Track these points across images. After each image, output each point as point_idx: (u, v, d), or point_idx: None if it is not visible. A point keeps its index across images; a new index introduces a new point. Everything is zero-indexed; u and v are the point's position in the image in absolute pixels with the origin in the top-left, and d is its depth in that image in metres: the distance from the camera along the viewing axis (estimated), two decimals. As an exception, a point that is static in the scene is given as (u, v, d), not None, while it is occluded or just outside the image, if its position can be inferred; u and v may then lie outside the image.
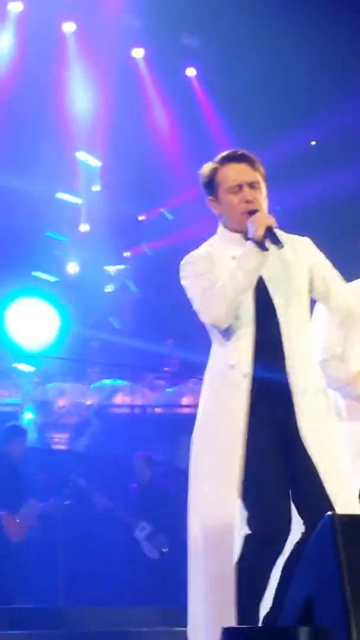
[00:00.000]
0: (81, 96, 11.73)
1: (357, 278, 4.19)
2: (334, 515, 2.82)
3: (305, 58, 10.49)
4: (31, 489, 7.94)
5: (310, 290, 3.61)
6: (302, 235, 3.71)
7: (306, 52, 10.41)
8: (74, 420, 10.51)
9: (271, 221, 3.47)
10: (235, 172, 3.56)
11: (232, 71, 10.84)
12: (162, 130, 11.95)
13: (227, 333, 3.49)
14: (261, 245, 3.43)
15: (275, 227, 3.48)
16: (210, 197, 3.63)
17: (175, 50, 11.40)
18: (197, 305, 3.51)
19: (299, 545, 3.37)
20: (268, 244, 3.46)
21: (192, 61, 11.77)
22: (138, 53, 11.74)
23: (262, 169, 3.61)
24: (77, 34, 11.40)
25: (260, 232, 3.43)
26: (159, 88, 11.84)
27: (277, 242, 3.45)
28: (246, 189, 3.54)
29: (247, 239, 3.48)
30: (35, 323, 10.77)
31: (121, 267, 12.73)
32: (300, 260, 3.59)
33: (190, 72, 11.93)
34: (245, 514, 3.39)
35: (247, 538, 3.38)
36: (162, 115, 11.96)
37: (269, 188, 3.63)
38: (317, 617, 2.74)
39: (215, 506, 3.41)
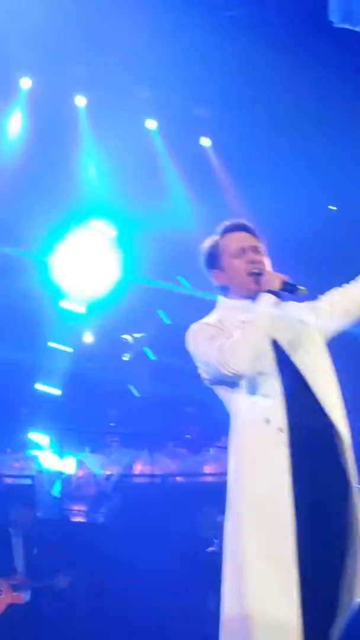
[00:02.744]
0: (95, 169, 11.82)
1: None
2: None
3: (320, 124, 10.55)
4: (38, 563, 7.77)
5: (331, 326, 3.59)
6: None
7: (321, 118, 10.48)
8: (92, 492, 10.39)
9: (284, 276, 3.48)
10: (238, 239, 3.62)
11: (247, 140, 10.91)
12: (177, 201, 11.99)
13: (252, 389, 3.40)
14: (278, 296, 3.44)
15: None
16: (214, 271, 3.63)
17: (188, 121, 11.49)
18: (216, 359, 3.39)
19: None
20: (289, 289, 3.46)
21: (205, 131, 11.86)
22: (151, 124, 11.85)
23: (262, 240, 3.65)
24: (89, 107, 11.53)
25: (277, 284, 3.43)
26: (174, 159, 11.91)
27: (295, 288, 3.45)
28: (250, 252, 3.59)
29: (262, 292, 3.47)
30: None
31: (138, 335, 12.71)
32: (306, 313, 3.60)
33: (205, 142, 12.00)
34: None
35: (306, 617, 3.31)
36: (178, 185, 12.01)
37: (288, 257, 3.63)
38: None
39: (276, 603, 3.31)
